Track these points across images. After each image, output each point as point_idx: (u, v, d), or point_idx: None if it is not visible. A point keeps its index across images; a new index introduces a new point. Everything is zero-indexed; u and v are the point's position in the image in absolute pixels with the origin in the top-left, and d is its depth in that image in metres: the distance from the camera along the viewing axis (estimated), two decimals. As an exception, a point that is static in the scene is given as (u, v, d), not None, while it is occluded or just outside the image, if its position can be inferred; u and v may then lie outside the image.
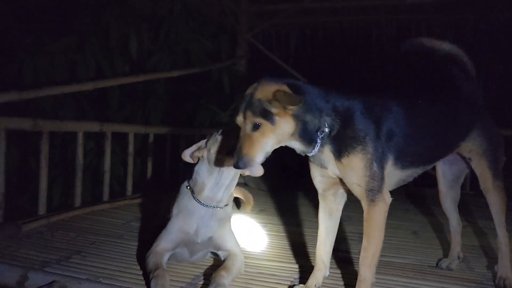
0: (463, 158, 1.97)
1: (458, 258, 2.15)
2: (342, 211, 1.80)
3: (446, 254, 2.27)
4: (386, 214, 1.58)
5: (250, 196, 3.02)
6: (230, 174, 1.90)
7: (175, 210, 1.97)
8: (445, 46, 2.01)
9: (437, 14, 5.57)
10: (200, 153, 1.94)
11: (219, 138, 1.89)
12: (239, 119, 1.52)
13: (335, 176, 1.61)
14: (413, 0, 5.16)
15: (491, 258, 2.29)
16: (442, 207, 2.15)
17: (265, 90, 1.47)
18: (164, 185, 4.16)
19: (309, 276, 1.75)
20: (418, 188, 4.54)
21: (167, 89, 5.00)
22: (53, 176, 3.68)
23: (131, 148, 3.56)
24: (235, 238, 1.98)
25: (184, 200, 1.95)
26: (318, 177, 1.69)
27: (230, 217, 2.02)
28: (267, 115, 1.45)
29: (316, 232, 2.42)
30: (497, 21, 5.47)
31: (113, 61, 4.20)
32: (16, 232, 2.29)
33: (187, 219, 1.91)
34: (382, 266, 2.08)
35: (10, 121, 2.53)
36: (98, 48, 3.99)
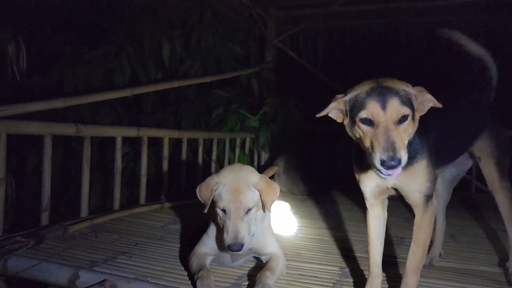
0: (473, 157, 2.04)
1: (440, 255, 2.25)
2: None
3: (486, 259, 2.26)
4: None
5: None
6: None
7: (213, 218, 1.96)
8: (478, 51, 2.08)
9: (468, 15, 5.48)
10: None
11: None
12: (376, 110, 1.35)
13: (392, 185, 1.59)
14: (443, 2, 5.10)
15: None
16: None
17: (402, 84, 1.41)
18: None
19: (365, 283, 1.73)
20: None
21: (198, 95, 5.09)
22: (91, 180, 3.79)
23: (166, 152, 3.64)
24: (276, 241, 2.00)
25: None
26: (372, 187, 1.64)
27: (269, 222, 2.04)
28: (412, 108, 1.38)
29: (354, 236, 2.46)
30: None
31: (147, 68, 4.30)
32: (63, 233, 2.38)
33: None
34: (424, 269, 2.08)
35: (54, 126, 2.63)
36: (133, 56, 4.10)
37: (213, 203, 1.83)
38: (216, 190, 1.79)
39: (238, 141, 4.96)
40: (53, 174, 2.79)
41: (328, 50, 6.28)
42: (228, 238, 1.70)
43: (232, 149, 5.01)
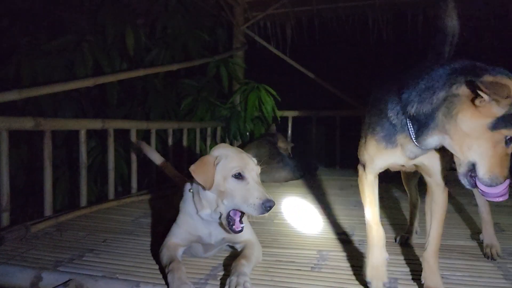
0: None
1: (416, 232, 2.24)
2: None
3: (464, 234, 2.26)
4: None
5: None
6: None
7: (182, 208, 1.87)
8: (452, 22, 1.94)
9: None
10: None
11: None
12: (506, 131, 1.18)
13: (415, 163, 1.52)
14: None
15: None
16: (404, 184, 2.19)
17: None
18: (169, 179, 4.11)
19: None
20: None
21: (167, 85, 4.95)
22: (56, 177, 3.64)
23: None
24: (250, 228, 1.92)
25: (188, 206, 1.83)
26: (388, 163, 1.53)
27: None
28: None
29: (331, 219, 2.42)
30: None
31: (111, 59, 4.14)
32: (25, 233, 2.24)
33: (194, 225, 1.82)
34: (403, 246, 2.06)
35: (11, 120, 2.48)
36: (95, 47, 3.92)
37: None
38: (217, 163, 1.69)
39: (209, 131, 4.86)
40: (16, 172, 2.65)
41: (297, 34, 6.21)
42: (258, 198, 1.61)
43: (203, 139, 4.91)
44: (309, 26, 6.25)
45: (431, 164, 1.50)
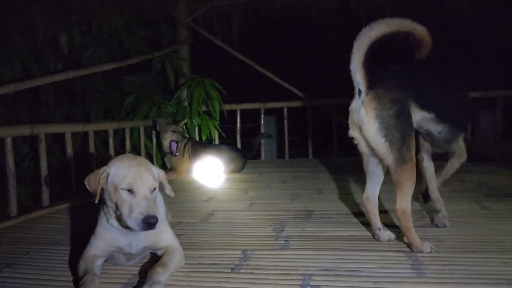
0: None
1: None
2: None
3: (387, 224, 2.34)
4: None
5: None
6: None
7: (99, 219, 1.82)
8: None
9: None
10: None
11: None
12: None
13: None
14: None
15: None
16: (365, 169, 2.11)
17: None
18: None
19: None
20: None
21: (108, 83, 4.83)
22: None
23: (69, 149, 3.41)
24: (170, 233, 1.91)
25: (103, 217, 1.79)
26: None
27: (164, 214, 1.92)
28: None
29: (263, 215, 2.44)
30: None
31: (44, 59, 3.98)
32: None
33: (111, 236, 1.78)
34: (326, 241, 2.12)
35: None
36: (24, 47, 3.76)
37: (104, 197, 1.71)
38: (107, 175, 1.66)
39: (154, 128, 4.78)
40: None
41: (243, 27, 6.19)
42: (139, 213, 1.57)
43: (149, 137, 4.84)
44: (256, 17, 6.25)
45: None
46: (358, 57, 1.83)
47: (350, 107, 1.96)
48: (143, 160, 1.77)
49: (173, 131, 4.23)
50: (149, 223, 1.58)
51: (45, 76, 3.60)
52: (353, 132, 2.00)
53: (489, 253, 1.85)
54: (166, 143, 4.23)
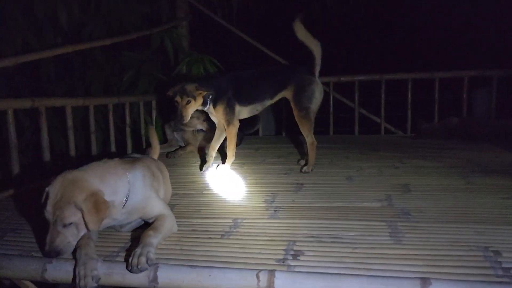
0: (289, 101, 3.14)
1: None
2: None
3: (372, 196, 2.45)
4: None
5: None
6: None
7: None
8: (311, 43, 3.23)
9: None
10: None
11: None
12: None
13: None
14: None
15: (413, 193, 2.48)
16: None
17: None
18: (110, 157, 4.14)
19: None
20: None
21: (109, 58, 4.88)
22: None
23: (70, 122, 3.50)
24: (159, 202, 2.00)
25: None
26: None
27: (149, 187, 1.99)
28: None
29: (255, 188, 2.55)
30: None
31: (44, 35, 4.04)
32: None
33: None
34: (313, 211, 2.22)
35: None
36: (23, 23, 3.81)
37: None
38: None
39: (154, 104, 4.86)
40: None
41: (243, 4, 6.17)
42: (46, 245, 1.66)
43: (149, 113, 4.92)
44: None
45: None
46: None
47: None
48: (69, 190, 1.70)
49: (204, 120, 4.39)
50: (48, 257, 1.68)
51: (45, 50, 3.66)
52: None
53: (465, 223, 1.95)
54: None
